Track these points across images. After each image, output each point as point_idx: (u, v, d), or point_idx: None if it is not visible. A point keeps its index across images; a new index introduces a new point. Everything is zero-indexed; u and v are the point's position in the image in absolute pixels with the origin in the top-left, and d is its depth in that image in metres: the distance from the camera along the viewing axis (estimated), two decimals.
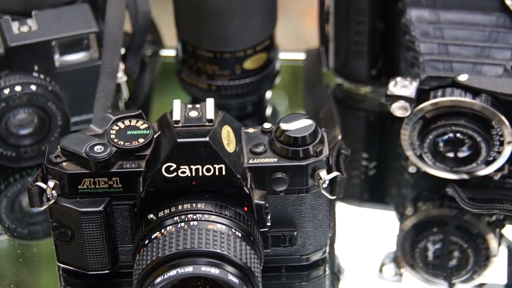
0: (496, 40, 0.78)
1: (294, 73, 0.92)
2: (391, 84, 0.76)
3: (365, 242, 0.79)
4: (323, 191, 0.69)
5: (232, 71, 0.82)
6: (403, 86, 0.76)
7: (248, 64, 0.82)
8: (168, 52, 0.91)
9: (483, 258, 0.76)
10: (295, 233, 0.71)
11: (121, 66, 0.82)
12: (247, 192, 0.67)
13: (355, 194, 0.82)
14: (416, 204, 0.80)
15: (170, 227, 0.65)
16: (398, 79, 0.76)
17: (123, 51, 0.82)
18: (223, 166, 0.66)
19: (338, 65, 0.87)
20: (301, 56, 0.91)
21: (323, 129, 0.71)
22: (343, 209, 0.81)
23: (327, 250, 0.75)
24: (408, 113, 0.75)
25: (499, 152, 0.75)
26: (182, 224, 0.65)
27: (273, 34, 0.83)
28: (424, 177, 0.80)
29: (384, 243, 0.79)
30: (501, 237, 0.78)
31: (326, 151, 0.69)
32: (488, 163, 0.76)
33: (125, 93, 0.87)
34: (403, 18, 0.80)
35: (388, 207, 0.82)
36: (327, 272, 0.75)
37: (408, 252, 0.77)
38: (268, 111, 0.88)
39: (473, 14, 0.79)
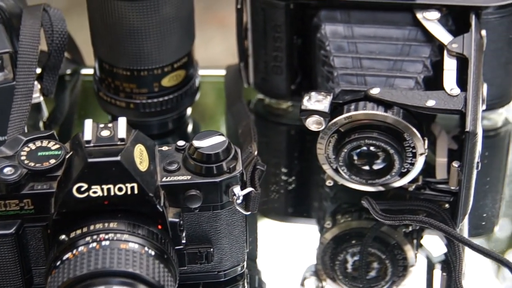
0: (408, 53, 0.80)
1: (217, 89, 0.93)
2: (305, 99, 0.77)
3: (285, 256, 0.80)
4: (237, 207, 0.70)
5: (150, 89, 0.82)
6: (317, 101, 0.76)
7: (166, 82, 0.82)
8: (89, 71, 0.91)
9: (401, 269, 0.77)
10: (212, 249, 0.71)
11: (38, 86, 0.81)
12: (161, 210, 0.67)
13: (275, 208, 0.82)
14: (335, 217, 0.81)
15: (82, 247, 0.64)
16: (312, 93, 0.77)
17: (39, 70, 0.81)
18: (135, 185, 0.66)
19: (258, 80, 0.88)
20: (223, 72, 0.92)
21: (241, 144, 0.72)
22: (263, 224, 0.81)
23: (245, 266, 0.75)
24: (322, 127, 0.76)
25: (412, 164, 0.76)
26: (94, 244, 0.65)
27: (191, 51, 0.84)
28: (342, 190, 0.81)
29: (305, 257, 0.80)
30: (418, 247, 0.79)
31: (239, 167, 0.70)
32: (402, 175, 0.77)
33: (45, 113, 0.87)
34: (318, 33, 0.81)
35: (308, 220, 0.82)
36: (246, 287, 0.76)
37: (328, 265, 0.78)
38: (190, 127, 0.89)
39: (386, 28, 0.81)
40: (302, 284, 0.77)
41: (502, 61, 0.84)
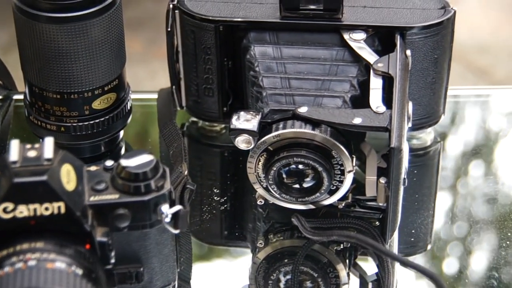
0: (335, 73, 0.81)
1: (151, 112, 0.94)
2: (234, 118, 0.77)
3: (218, 276, 0.80)
4: (166, 226, 0.71)
5: (81, 112, 0.82)
6: (245, 120, 0.77)
7: (97, 104, 0.83)
8: (21, 96, 0.91)
9: (334, 286, 0.78)
10: (141, 269, 0.71)
11: None
12: (88, 230, 0.67)
13: (208, 228, 0.83)
14: (267, 236, 0.82)
15: (8, 267, 0.64)
16: (241, 113, 0.78)
17: None
18: (62, 204, 0.66)
19: (190, 103, 0.89)
20: (155, 95, 0.93)
21: (172, 165, 0.73)
22: (196, 244, 0.81)
23: (176, 285, 0.75)
24: (252, 146, 0.77)
25: (341, 181, 0.78)
26: (20, 264, 0.64)
27: (122, 74, 0.84)
28: (274, 209, 0.82)
29: (238, 277, 0.80)
30: (350, 265, 0.80)
31: (168, 186, 0.70)
32: (331, 192, 0.78)
33: None
34: (248, 54, 0.83)
35: (241, 240, 0.83)
36: None
37: (262, 285, 0.78)
38: (123, 150, 0.89)
39: (314, 49, 0.82)
40: None
41: (428, 81, 0.86)
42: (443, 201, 0.87)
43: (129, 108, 0.86)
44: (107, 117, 0.83)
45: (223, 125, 0.90)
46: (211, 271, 0.80)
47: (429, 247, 0.83)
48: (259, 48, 0.82)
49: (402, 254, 0.81)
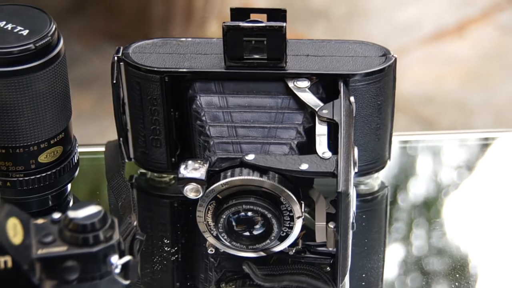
0: (282, 121, 0.82)
1: (99, 165, 0.93)
2: (182, 168, 0.78)
3: None
4: (116, 277, 0.70)
5: (27, 166, 0.82)
6: (193, 169, 0.78)
7: (43, 158, 0.82)
8: None
9: None
10: None
11: None
12: (36, 283, 0.67)
13: (158, 279, 0.82)
14: (220, 285, 0.81)
15: None
16: (189, 162, 0.78)
17: None
18: (8, 258, 0.65)
19: (138, 154, 0.89)
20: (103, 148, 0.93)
21: (121, 217, 0.73)
22: None
23: None
24: (200, 195, 0.77)
25: (291, 228, 0.78)
26: None
27: (68, 127, 0.84)
28: (226, 258, 0.82)
29: None
30: None
31: (116, 236, 0.70)
32: (281, 239, 0.78)
33: None
34: (194, 104, 0.83)
35: (186, 280, 0.83)
36: None
37: None
38: (71, 203, 0.89)
39: (259, 98, 0.83)
40: None
41: (373, 127, 0.87)
42: (392, 246, 0.88)
43: (76, 160, 0.86)
44: (53, 170, 0.83)
45: (172, 176, 0.90)
46: None
47: None
48: (205, 98, 0.83)
49: None
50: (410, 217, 0.91)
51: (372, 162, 0.89)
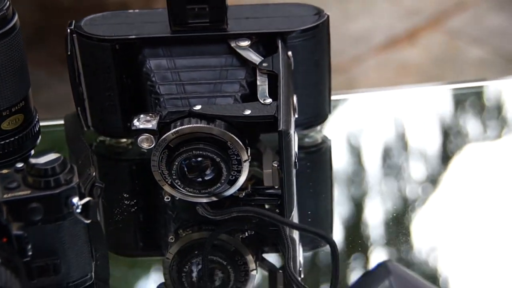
0: (226, 77, 0.89)
1: (60, 135, 0.98)
2: (135, 120, 0.84)
3: (133, 272, 0.86)
4: (77, 216, 0.76)
5: None
6: (145, 121, 0.84)
7: (6, 125, 0.88)
8: None
9: (243, 274, 0.84)
10: (58, 261, 0.76)
11: None
12: (4, 223, 0.73)
13: (120, 229, 0.88)
14: (177, 231, 0.88)
15: None
16: (141, 115, 0.84)
17: None
18: None
19: (96, 122, 0.95)
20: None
21: (81, 172, 0.79)
22: (110, 245, 0.87)
23: (93, 276, 0.80)
24: (153, 145, 0.84)
25: (239, 171, 0.84)
26: None
27: (28, 96, 0.90)
28: (182, 206, 0.88)
29: (151, 272, 0.86)
30: (256, 252, 0.86)
31: (76, 179, 0.76)
32: (231, 182, 0.84)
33: None
34: (144, 67, 0.90)
35: (152, 237, 0.89)
36: None
37: (176, 278, 0.84)
38: None
39: (205, 58, 0.90)
40: None
41: (312, 82, 0.94)
42: (337, 189, 0.95)
43: (37, 129, 0.92)
44: (16, 137, 0.89)
45: (129, 141, 0.96)
46: (126, 267, 0.85)
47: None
48: (154, 61, 0.89)
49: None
50: (352, 166, 0.98)
51: (314, 116, 0.96)
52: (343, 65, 2.74)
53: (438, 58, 2.50)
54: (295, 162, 0.84)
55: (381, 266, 0.67)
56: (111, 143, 0.97)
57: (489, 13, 2.69)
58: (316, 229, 0.81)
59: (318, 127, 0.98)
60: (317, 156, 0.98)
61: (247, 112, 0.84)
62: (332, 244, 0.75)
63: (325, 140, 0.98)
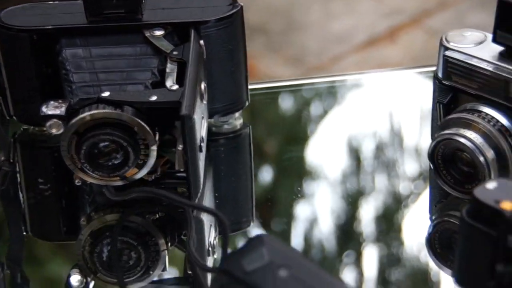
0: (139, 65, 0.92)
1: None
2: (43, 106, 0.87)
3: (48, 256, 0.89)
4: None
5: None
6: (54, 107, 0.87)
7: None
8: None
9: (154, 254, 0.86)
10: None
11: None
12: None
13: (38, 212, 0.91)
14: (90, 214, 0.91)
15: None
16: (51, 102, 0.87)
17: None
18: None
19: (18, 111, 0.98)
20: None
21: None
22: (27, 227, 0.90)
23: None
24: (62, 130, 0.86)
25: (147, 155, 0.87)
26: None
27: None
28: (95, 188, 0.90)
29: (65, 255, 0.89)
30: (167, 233, 0.89)
31: None
32: (139, 166, 0.87)
33: None
34: (60, 56, 0.93)
35: (66, 221, 0.92)
36: None
37: (88, 259, 0.86)
38: None
39: (120, 48, 0.93)
40: (67, 282, 0.85)
41: (228, 70, 0.97)
42: (257, 172, 0.98)
43: None
44: None
45: None
46: (42, 250, 0.88)
47: (251, 223, 0.93)
48: (70, 51, 0.92)
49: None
50: (270, 150, 1.01)
51: (232, 103, 0.99)
52: (324, 64, 2.77)
53: (418, 56, 2.52)
54: (200, 145, 0.87)
55: (256, 238, 0.70)
56: (34, 131, 0.99)
57: (470, 12, 2.71)
58: (212, 208, 0.85)
59: (237, 114, 1.01)
60: (236, 142, 1.01)
61: (153, 98, 0.87)
62: (223, 222, 0.78)
63: (244, 127, 1.01)
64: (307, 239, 0.90)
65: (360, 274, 0.85)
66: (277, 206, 0.95)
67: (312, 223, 0.92)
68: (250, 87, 0.99)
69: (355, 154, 0.99)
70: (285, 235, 0.92)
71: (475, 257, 0.70)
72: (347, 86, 1.10)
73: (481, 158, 0.80)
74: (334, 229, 0.90)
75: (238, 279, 0.69)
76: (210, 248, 0.87)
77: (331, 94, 1.09)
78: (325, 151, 1.00)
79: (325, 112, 1.06)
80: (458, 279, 0.74)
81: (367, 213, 0.91)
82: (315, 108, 1.07)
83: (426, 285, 0.84)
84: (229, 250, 0.77)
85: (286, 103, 1.08)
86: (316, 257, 0.87)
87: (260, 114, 1.04)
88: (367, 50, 2.74)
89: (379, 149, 1.00)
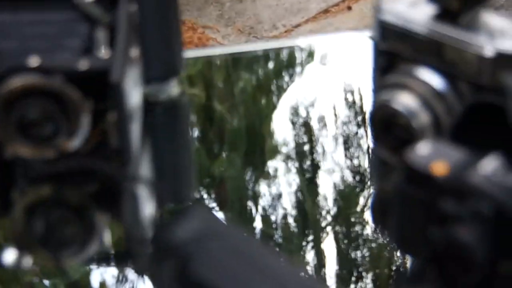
0: (69, 31, 0.89)
1: None
2: None
3: None
4: None
5: None
6: None
7: None
8: None
9: (91, 228, 0.84)
10: None
11: None
12: None
13: None
14: (23, 189, 0.88)
15: None
16: None
17: None
18: None
19: None
20: None
21: None
22: None
23: None
24: None
25: (79, 125, 0.84)
26: None
27: None
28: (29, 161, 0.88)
29: None
30: (102, 205, 0.87)
31: None
32: (72, 136, 0.84)
33: None
34: None
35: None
36: None
37: (23, 235, 0.84)
38: None
39: (49, 14, 0.90)
40: (0, 258, 0.83)
41: (162, 37, 0.94)
42: (198, 146, 0.96)
43: None
44: None
45: None
46: None
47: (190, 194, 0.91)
48: None
49: None
50: (209, 116, 0.99)
51: (167, 71, 0.96)
52: (280, 35, 2.75)
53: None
54: (133, 114, 0.85)
55: (189, 208, 0.69)
56: None
57: None
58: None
59: (173, 82, 0.99)
60: (173, 111, 0.99)
61: (83, 65, 0.84)
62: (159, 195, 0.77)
63: (182, 94, 1.00)
64: (248, 213, 0.89)
65: (319, 254, 0.84)
66: (217, 178, 0.93)
67: (254, 194, 0.90)
68: (193, 54, 0.98)
69: (303, 122, 0.98)
70: (225, 207, 0.90)
71: (410, 222, 0.69)
72: (293, 51, 1.09)
73: (416, 123, 0.78)
74: (275, 203, 0.89)
75: (169, 249, 0.68)
76: (146, 220, 0.86)
77: (276, 59, 1.08)
78: (271, 120, 0.98)
79: (270, 79, 1.04)
80: (398, 245, 0.74)
81: (317, 189, 0.90)
82: (260, 75, 1.05)
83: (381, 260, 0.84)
84: (163, 221, 0.76)
85: (227, 71, 1.06)
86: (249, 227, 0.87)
87: (200, 82, 1.03)
88: (322, 18, 2.73)
89: (328, 117, 0.98)
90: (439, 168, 0.62)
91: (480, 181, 0.60)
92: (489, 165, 0.61)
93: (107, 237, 0.86)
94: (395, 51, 0.84)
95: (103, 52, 0.85)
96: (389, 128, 0.83)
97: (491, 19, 0.74)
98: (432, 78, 0.80)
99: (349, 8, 2.74)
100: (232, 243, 0.66)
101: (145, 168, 0.90)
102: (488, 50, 0.71)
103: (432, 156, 0.63)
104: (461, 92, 0.79)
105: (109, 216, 0.87)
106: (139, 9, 0.90)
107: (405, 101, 0.80)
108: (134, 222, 0.83)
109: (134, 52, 0.88)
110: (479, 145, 0.66)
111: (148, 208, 0.87)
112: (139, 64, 0.90)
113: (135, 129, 0.86)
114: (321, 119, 0.98)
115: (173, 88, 0.99)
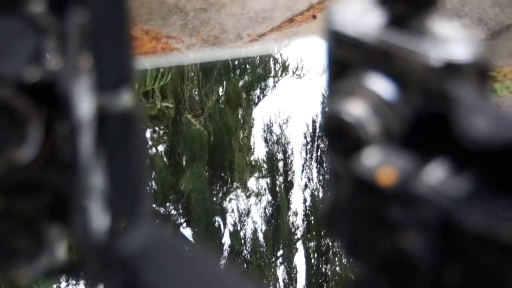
0: (15, 41, 0.87)
1: None
2: None
3: None
4: None
5: None
6: None
7: None
8: None
9: (41, 240, 0.84)
10: None
11: None
12: None
13: None
14: None
15: None
16: None
17: None
18: None
19: None
20: None
21: None
22: None
23: None
24: None
25: (27, 137, 0.83)
26: None
27: None
28: None
29: None
30: (54, 218, 0.86)
31: None
32: (20, 148, 0.83)
33: None
34: None
35: None
36: None
37: None
38: None
39: None
40: None
41: (114, 47, 0.93)
42: (165, 157, 0.95)
43: None
44: None
45: None
46: None
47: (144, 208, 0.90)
48: None
49: None
50: (177, 130, 0.99)
51: (118, 80, 0.95)
52: (245, 45, 2.75)
53: None
54: (83, 125, 0.84)
55: (139, 220, 0.69)
56: None
57: None
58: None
59: (125, 92, 0.98)
60: (127, 120, 0.97)
61: (31, 74, 0.83)
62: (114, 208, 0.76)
63: (133, 105, 0.98)
64: (216, 228, 0.88)
65: (289, 268, 0.83)
66: (184, 193, 0.93)
67: (222, 210, 0.90)
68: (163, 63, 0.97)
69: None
70: (192, 222, 0.90)
71: (360, 230, 0.69)
72: (266, 63, 1.09)
73: (365, 133, 0.78)
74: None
75: (118, 261, 0.67)
76: (97, 233, 0.85)
77: (251, 71, 1.07)
78: (240, 135, 0.98)
79: (242, 92, 1.04)
80: (349, 253, 0.74)
81: (289, 204, 0.90)
82: (231, 88, 1.05)
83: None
84: (114, 233, 0.75)
85: (199, 84, 1.05)
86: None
87: (171, 94, 1.02)
88: (287, 27, 2.74)
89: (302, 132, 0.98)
90: (385, 176, 0.62)
91: (424, 190, 0.60)
92: (435, 173, 0.61)
93: (59, 249, 0.85)
94: (347, 60, 0.83)
95: (53, 62, 0.84)
96: (340, 138, 0.83)
97: (439, 26, 0.74)
98: (382, 87, 0.80)
99: (314, 17, 2.74)
100: (181, 255, 0.66)
101: (98, 180, 0.90)
102: (434, 59, 0.71)
103: (378, 164, 0.63)
104: (411, 101, 0.79)
105: (61, 228, 0.86)
106: (90, 18, 0.90)
107: (354, 111, 0.79)
108: (85, 234, 0.82)
109: (85, 62, 0.87)
110: (428, 153, 0.66)
111: (99, 220, 0.86)
112: (91, 74, 0.89)
113: (87, 140, 0.85)
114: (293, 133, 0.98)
115: (126, 98, 0.98)
